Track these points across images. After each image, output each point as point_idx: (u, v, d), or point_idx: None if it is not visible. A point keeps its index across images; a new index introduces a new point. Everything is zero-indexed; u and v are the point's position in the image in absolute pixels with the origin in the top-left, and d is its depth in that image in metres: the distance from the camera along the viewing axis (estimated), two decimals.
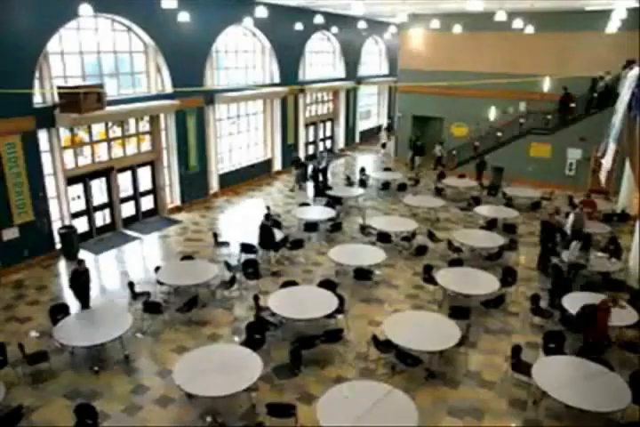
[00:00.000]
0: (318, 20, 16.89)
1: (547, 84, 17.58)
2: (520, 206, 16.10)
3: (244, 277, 11.25)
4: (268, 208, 14.22)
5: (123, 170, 14.96)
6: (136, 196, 15.53)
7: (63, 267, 12.41)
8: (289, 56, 20.66)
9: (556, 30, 18.59)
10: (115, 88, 14.24)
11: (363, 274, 11.19)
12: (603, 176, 15.56)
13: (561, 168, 19.44)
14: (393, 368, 8.32)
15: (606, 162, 15.03)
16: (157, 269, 11.08)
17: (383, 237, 13.12)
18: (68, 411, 7.09)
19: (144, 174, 15.78)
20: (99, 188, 14.50)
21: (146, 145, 15.73)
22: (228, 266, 11.52)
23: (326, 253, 12.11)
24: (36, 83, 12.01)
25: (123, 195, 15.06)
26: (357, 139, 27.72)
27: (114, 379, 8.14)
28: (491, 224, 14.34)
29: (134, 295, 10.30)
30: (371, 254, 11.82)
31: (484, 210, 15.32)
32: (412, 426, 6.37)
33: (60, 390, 7.80)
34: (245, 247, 12.38)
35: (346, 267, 11.56)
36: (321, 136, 25.29)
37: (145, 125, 15.56)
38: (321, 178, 18.18)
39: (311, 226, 14.04)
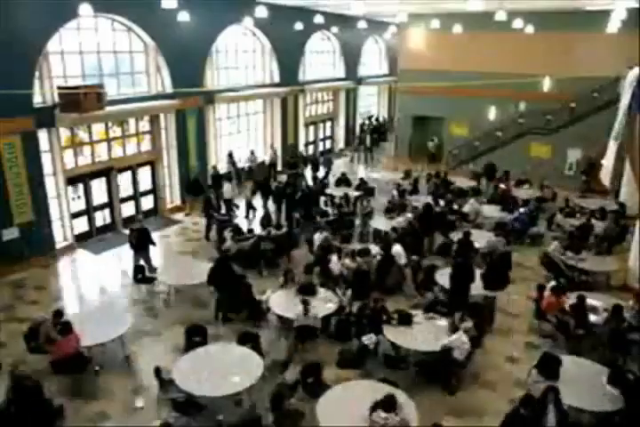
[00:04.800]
0: (318, 20, 16.89)
1: (547, 84, 17.56)
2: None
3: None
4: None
5: (123, 170, 14.98)
6: (136, 196, 15.54)
7: (63, 267, 12.44)
8: (289, 56, 20.65)
9: (556, 30, 18.58)
10: (115, 88, 14.24)
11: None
12: (604, 176, 15.54)
13: (561, 168, 19.44)
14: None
15: (607, 162, 15.03)
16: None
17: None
18: (67, 411, 7.14)
19: (144, 174, 15.80)
20: (98, 187, 14.53)
21: (146, 145, 15.74)
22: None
23: None
24: (36, 83, 12.01)
25: (123, 195, 15.08)
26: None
27: (114, 379, 8.14)
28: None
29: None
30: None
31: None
32: (411, 426, 6.38)
33: (60, 390, 7.80)
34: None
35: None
36: (321, 136, 25.32)
37: (145, 125, 15.57)
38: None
39: None
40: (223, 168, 18.13)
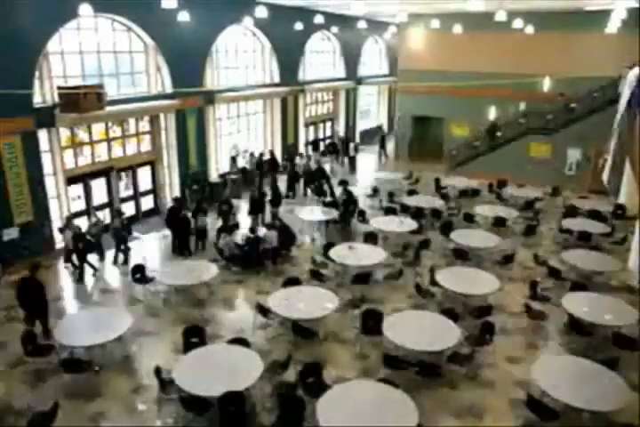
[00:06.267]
0: (318, 20, 16.90)
1: (547, 84, 17.58)
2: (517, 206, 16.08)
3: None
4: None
5: (122, 170, 14.97)
6: (136, 195, 15.55)
7: (63, 267, 12.43)
8: (289, 56, 20.66)
9: (556, 30, 18.60)
10: (115, 88, 14.24)
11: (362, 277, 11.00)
12: (606, 175, 15.56)
13: (561, 168, 19.43)
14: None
15: (609, 159, 15.08)
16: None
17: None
18: (66, 411, 7.13)
19: (144, 174, 15.80)
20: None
21: (146, 145, 15.74)
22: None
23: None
24: (36, 83, 12.01)
25: (123, 195, 15.08)
26: (357, 139, 27.69)
27: (114, 379, 8.14)
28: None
29: None
30: (372, 254, 11.80)
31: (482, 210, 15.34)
32: (411, 426, 6.38)
33: (60, 390, 7.80)
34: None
35: (344, 267, 11.53)
36: (321, 136, 25.32)
37: (145, 125, 15.57)
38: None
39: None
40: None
